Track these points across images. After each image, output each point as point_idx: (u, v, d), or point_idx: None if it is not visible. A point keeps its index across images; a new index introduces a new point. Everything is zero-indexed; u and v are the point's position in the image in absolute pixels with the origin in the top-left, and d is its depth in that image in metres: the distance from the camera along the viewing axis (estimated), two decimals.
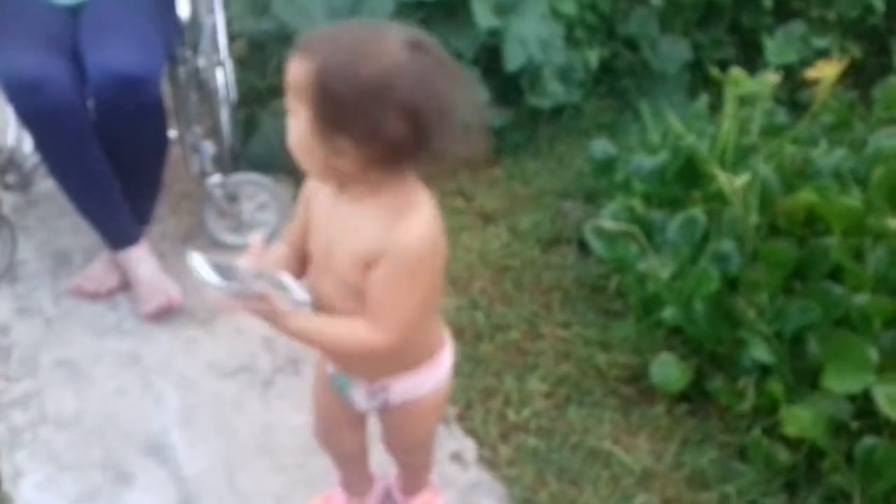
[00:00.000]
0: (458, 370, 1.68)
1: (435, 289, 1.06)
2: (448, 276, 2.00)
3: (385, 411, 1.19)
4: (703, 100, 2.27)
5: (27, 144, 2.11)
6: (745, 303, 1.59)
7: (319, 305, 1.04)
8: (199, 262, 0.92)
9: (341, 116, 0.89)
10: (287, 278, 0.99)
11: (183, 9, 1.83)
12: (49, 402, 1.61)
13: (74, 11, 1.80)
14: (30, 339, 1.75)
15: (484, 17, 2.31)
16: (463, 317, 1.86)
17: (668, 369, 1.61)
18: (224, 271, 0.93)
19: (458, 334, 1.81)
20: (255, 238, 1.04)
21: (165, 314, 1.81)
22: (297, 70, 0.91)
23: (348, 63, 0.88)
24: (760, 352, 1.49)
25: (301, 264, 1.09)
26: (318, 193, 1.06)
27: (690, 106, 2.41)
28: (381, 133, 0.89)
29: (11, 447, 1.52)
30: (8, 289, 1.88)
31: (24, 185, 2.07)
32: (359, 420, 1.25)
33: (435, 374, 1.15)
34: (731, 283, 1.66)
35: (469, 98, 0.97)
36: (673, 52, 2.67)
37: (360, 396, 1.16)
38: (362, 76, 0.88)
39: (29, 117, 1.67)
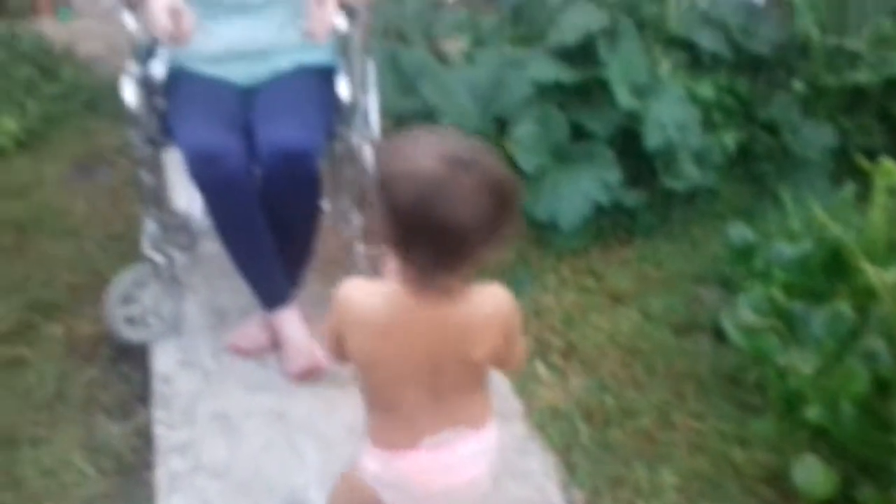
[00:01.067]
0: (585, 454, 1.70)
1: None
2: (577, 354, 2.03)
3: None
4: (850, 188, 2.21)
5: (196, 208, 2.34)
6: None
7: None
8: None
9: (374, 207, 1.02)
10: None
11: (343, 91, 1.99)
12: (204, 451, 1.74)
13: (250, 91, 2.00)
14: (190, 391, 1.90)
15: (624, 98, 2.36)
16: (591, 399, 1.87)
17: (812, 472, 1.55)
18: None
19: (587, 416, 1.83)
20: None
21: (310, 375, 1.92)
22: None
23: (384, 159, 1.03)
24: None
25: None
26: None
27: (834, 193, 2.36)
28: (385, 232, 1.00)
29: (169, 491, 1.65)
30: (174, 342, 2.06)
31: (192, 245, 2.29)
32: None
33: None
34: (882, 385, 1.59)
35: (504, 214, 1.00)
36: (816, 137, 2.62)
37: None
38: (381, 172, 1.01)
39: (204, 186, 1.86)
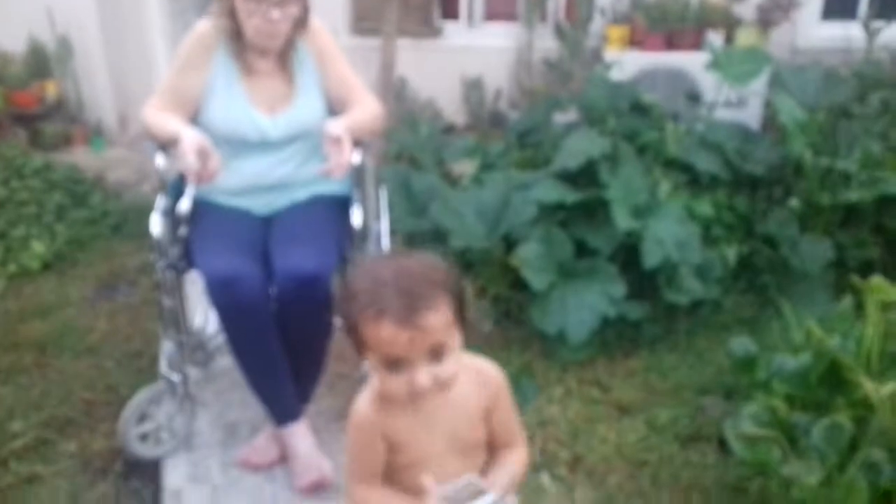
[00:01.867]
0: None
1: None
2: (583, 467, 2.06)
3: None
4: (848, 301, 2.28)
5: (210, 327, 2.46)
6: None
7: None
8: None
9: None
10: (475, 480, 1.18)
11: (356, 218, 2.13)
12: None
13: (268, 218, 2.15)
14: None
15: (623, 220, 2.50)
16: None
17: None
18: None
19: None
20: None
21: (317, 490, 1.96)
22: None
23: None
24: None
25: None
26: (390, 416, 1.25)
27: (833, 306, 2.43)
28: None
29: None
30: (184, 457, 2.12)
31: (206, 362, 2.38)
32: None
33: None
34: (885, 496, 1.62)
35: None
36: (814, 251, 2.72)
37: None
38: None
39: (222, 309, 1.97)
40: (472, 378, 1.15)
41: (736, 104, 4.11)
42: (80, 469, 2.13)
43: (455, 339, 1.11)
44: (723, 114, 3.68)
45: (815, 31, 4.57)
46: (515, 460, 1.24)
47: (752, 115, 4.02)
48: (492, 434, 1.20)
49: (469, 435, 1.16)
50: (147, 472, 2.12)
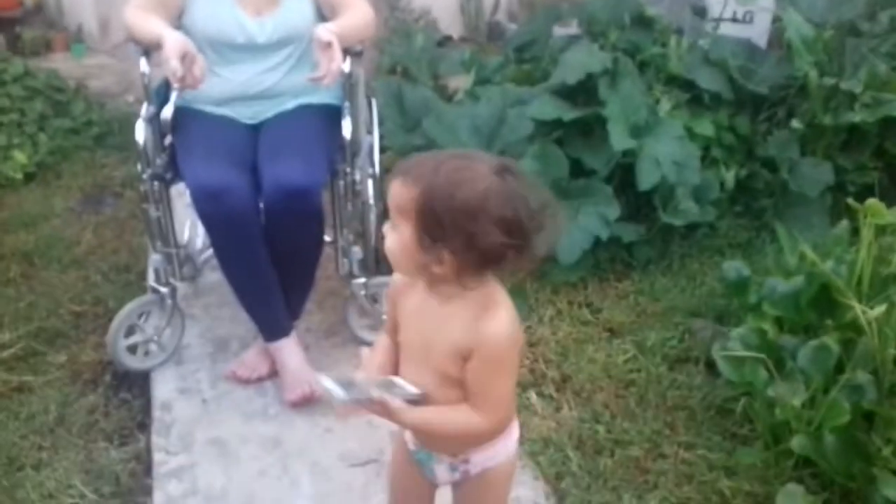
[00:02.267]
0: (575, 482, 1.78)
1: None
2: (571, 386, 2.11)
3: (463, 482, 1.30)
4: (844, 225, 2.30)
5: (198, 241, 2.46)
6: (879, 438, 1.59)
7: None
8: (328, 383, 1.13)
9: (442, 233, 1.08)
10: (397, 379, 1.19)
11: (346, 130, 2.11)
12: (200, 476, 1.82)
13: (256, 128, 2.13)
14: (188, 417, 2.00)
15: (618, 139, 2.47)
16: (584, 428, 1.95)
17: (795, 501, 1.62)
18: (346, 385, 1.14)
19: (578, 445, 1.91)
20: (364, 350, 1.28)
21: (307, 403, 2.01)
22: (402, 193, 1.10)
23: (447, 188, 1.08)
24: (893, 490, 1.49)
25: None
26: (406, 292, 1.24)
27: (830, 230, 2.44)
28: (477, 244, 1.07)
29: None
30: (173, 369, 2.16)
31: (194, 276, 2.40)
32: (431, 494, 1.37)
33: (507, 444, 1.29)
34: (866, 417, 1.67)
35: (551, 213, 1.13)
36: (814, 174, 2.72)
37: (441, 470, 1.29)
38: (459, 199, 1.07)
39: (209, 220, 1.97)
40: (476, 315, 1.15)
41: (743, 20, 4.02)
42: (69, 380, 2.18)
43: (405, 229, 1.10)
44: (730, 29, 3.59)
45: None
46: (457, 416, 1.17)
47: (759, 32, 3.90)
48: (463, 382, 1.20)
49: (441, 358, 1.17)
50: (136, 384, 2.17)
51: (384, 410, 1.16)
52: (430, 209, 1.08)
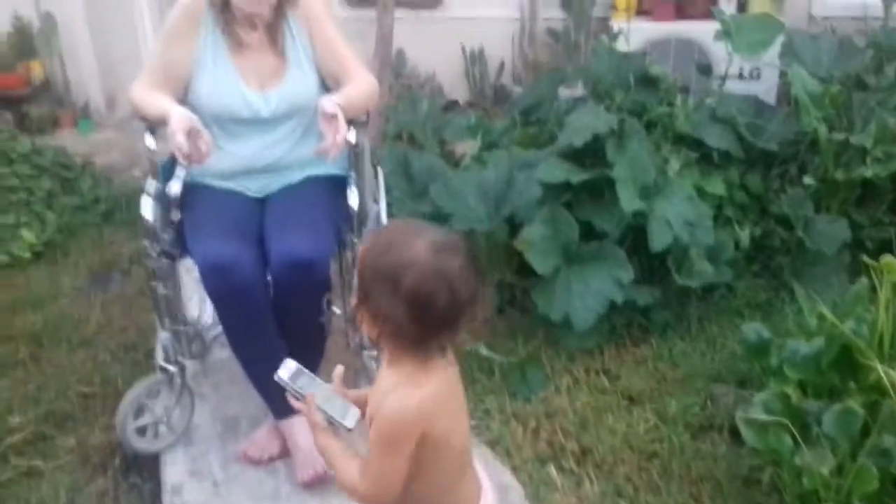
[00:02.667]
0: None
1: (434, 462, 1.23)
2: (591, 459, 2.10)
3: None
4: (863, 283, 2.30)
5: (207, 318, 2.49)
6: None
7: None
8: (289, 363, 1.25)
9: (366, 294, 1.17)
10: (346, 405, 1.28)
11: (352, 200, 2.16)
12: None
13: (262, 201, 2.18)
14: (199, 501, 2.00)
15: (628, 201, 2.51)
16: None
17: None
18: (305, 380, 1.25)
19: None
20: (339, 368, 1.34)
21: (320, 483, 2.01)
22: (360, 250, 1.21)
23: (378, 251, 1.16)
24: None
25: None
26: None
27: (850, 287, 2.45)
28: (387, 313, 1.14)
29: None
30: (183, 451, 2.17)
31: (203, 354, 2.43)
32: None
33: None
34: (894, 482, 1.65)
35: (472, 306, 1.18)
36: (830, 231, 2.74)
37: None
38: (382, 263, 1.15)
39: (218, 295, 2.00)
40: (392, 387, 1.23)
41: (750, 76, 4.11)
42: (79, 464, 2.19)
43: None
44: (737, 86, 3.68)
45: None
46: (348, 468, 1.24)
47: (767, 88, 4.00)
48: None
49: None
50: (146, 467, 2.18)
51: (309, 418, 1.27)
52: (362, 267, 1.18)
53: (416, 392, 1.18)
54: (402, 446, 1.19)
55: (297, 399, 1.32)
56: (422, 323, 1.14)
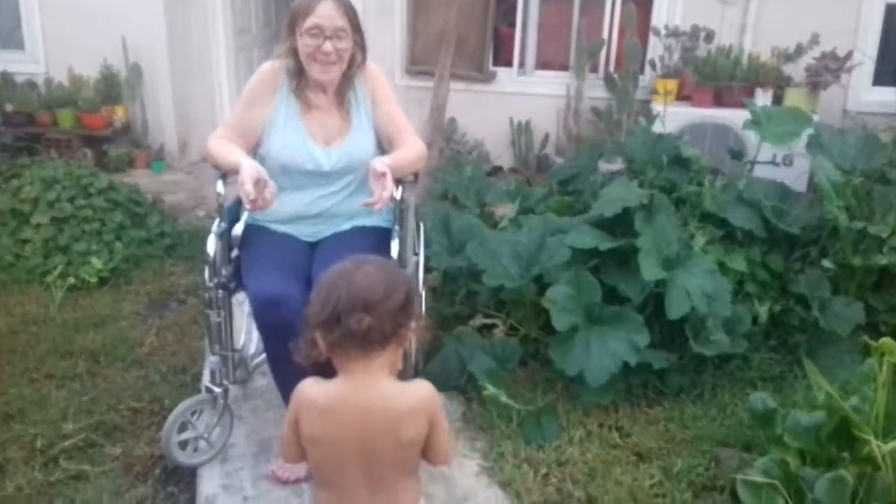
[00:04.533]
0: None
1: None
2: None
3: None
4: (870, 363, 2.36)
5: (252, 347, 2.66)
6: None
7: None
8: None
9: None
10: None
11: (394, 250, 2.31)
12: None
13: (313, 245, 2.36)
14: None
15: (649, 269, 2.63)
16: None
17: None
18: None
19: None
20: None
21: None
22: None
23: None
24: None
25: None
26: None
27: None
28: (313, 318, 1.44)
29: None
30: (219, 467, 2.30)
31: (245, 380, 2.58)
32: None
33: None
34: None
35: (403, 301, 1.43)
36: (845, 313, 2.81)
37: None
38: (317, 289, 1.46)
39: (265, 327, 2.17)
40: (407, 395, 1.47)
41: (783, 163, 4.22)
42: (122, 471, 2.34)
43: None
44: (769, 172, 3.79)
45: (865, 96, 4.67)
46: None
47: (798, 175, 4.10)
48: None
49: None
50: (184, 480, 2.31)
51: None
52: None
53: (413, 382, 1.46)
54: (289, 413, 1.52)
55: None
56: (327, 312, 1.39)
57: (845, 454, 1.95)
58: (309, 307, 1.44)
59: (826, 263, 2.94)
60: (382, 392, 1.43)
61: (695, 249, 2.94)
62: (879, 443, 1.80)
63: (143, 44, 5.25)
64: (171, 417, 2.27)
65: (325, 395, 1.45)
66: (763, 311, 2.93)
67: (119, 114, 5.38)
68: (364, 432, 1.42)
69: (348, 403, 1.43)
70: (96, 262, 3.62)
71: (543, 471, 2.29)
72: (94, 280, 3.57)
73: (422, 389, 1.47)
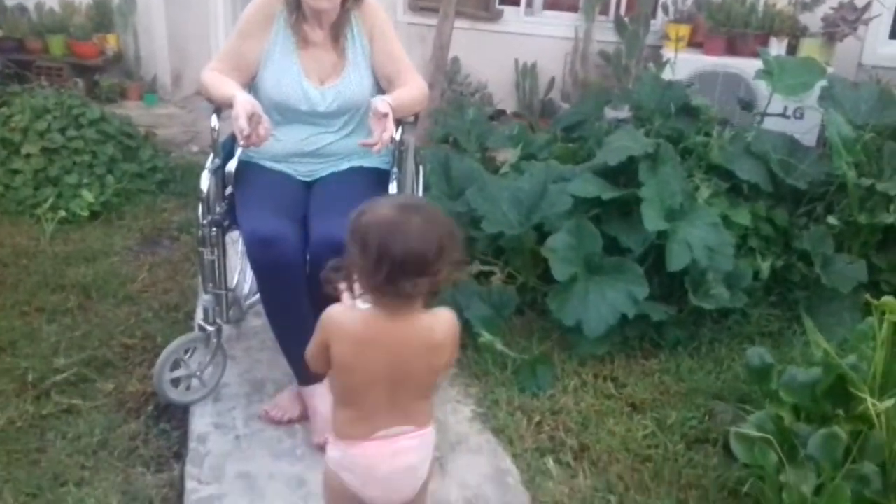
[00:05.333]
0: None
1: (334, 369, 1.52)
2: (588, 456, 2.22)
3: None
4: (870, 322, 2.38)
5: (246, 287, 2.67)
6: None
7: None
8: None
9: (347, 251, 1.42)
10: None
11: (392, 192, 2.31)
12: None
13: (309, 185, 2.35)
14: (221, 451, 2.16)
15: (652, 220, 2.63)
16: (597, 497, 2.06)
17: None
18: None
19: None
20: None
21: None
22: None
23: (355, 216, 1.42)
24: None
25: None
26: None
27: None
28: (358, 265, 1.39)
29: None
30: (211, 406, 2.33)
31: (239, 320, 2.60)
32: None
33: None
34: None
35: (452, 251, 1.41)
36: (847, 271, 2.82)
37: None
38: (353, 223, 1.40)
39: (259, 266, 2.17)
40: (441, 325, 1.50)
41: (794, 116, 4.18)
42: (115, 407, 2.37)
43: None
44: (779, 124, 3.76)
45: (882, 49, 4.60)
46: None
47: (809, 128, 4.06)
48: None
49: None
50: (176, 416, 2.34)
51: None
52: (347, 233, 1.44)
53: (439, 310, 1.48)
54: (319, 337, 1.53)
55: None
56: (380, 271, 1.36)
57: (840, 411, 1.98)
58: (351, 252, 1.41)
59: (831, 220, 2.94)
60: (419, 324, 1.46)
61: (699, 201, 2.93)
62: (875, 401, 1.82)
63: None
64: (163, 355, 2.29)
65: (361, 325, 1.46)
66: (765, 266, 2.94)
67: (111, 42, 5.28)
68: (399, 361, 1.46)
69: (387, 334, 1.45)
70: (87, 196, 3.60)
71: (537, 419, 2.33)
72: (85, 213, 3.56)
73: (451, 318, 1.51)
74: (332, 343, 1.48)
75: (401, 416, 1.51)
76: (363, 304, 1.46)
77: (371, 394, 1.48)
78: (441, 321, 1.49)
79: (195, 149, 4.50)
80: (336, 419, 1.56)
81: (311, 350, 1.56)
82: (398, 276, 1.37)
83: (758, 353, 2.37)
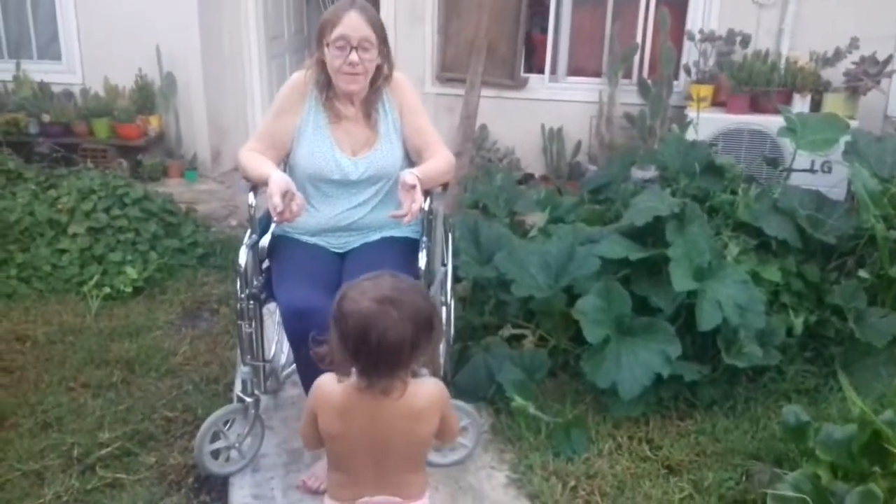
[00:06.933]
0: None
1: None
2: None
3: None
4: None
5: (283, 358, 2.74)
6: None
7: None
8: None
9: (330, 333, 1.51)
10: None
11: (422, 261, 2.37)
12: None
13: (342, 256, 2.43)
14: None
15: (680, 280, 2.65)
16: None
17: None
18: None
19: None
20: None
21: None
22: None
23: (339, 296, 1.51)
24: None
25: None
26: None
27: None
28: (338, 347, 1.49)
29: None
30: (250, 476, 2.38)
31: (276, 390, 2.66)
32: None
33: None
34: None
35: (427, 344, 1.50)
36: (881, 325, 2.80)
37: None
38: (336, 305, 1.51)
39: (295, 337, 2.24)
40: (422, 396, 1.58)
41: (821, 171, 4.20)
42: (157, 480, 2.42)
43: None
44: (807, 180, 3.77)
45: None
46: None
47: (836, 183, 4.08)
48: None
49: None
50: (216, 489, 2.39)
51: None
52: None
53: (424, 380, 1.57)
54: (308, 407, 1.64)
55: None
56: (358, 360, 1.48)
57: (876, 468, 1.96)
58: (333, 335, 1.51)
59: (862, 274, 2.93)
60: (398, 393, 1.53)
61: (727, 259, 2.95)
62: None
63: (177, 52, 5.39)
64: (203, 427, 2.35)
65: (342, 394, 1.55)
66: (798, 322, 2.93)
67: (153, 123, 5.53)
68: (379, 431, 1.54)
69: (365, 404, 1.53)
70: (131, 272, 3.73)
71: (572, 483, 2.33)
72: (128, 289, 3.69)
73: (434, 388, 1.59)
74: (318, 412, 1.59)
75: (388, 486, 1.58)
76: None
77: (356, 462, 1.57)
78: (424, 389, 1.56)
79: (234, 223, 4.65)
80: (329, 479, 1.65)
81: (302, 423, 1.66)
82: (371, 368, 1.48)
83: (794, 412, 2.36)
